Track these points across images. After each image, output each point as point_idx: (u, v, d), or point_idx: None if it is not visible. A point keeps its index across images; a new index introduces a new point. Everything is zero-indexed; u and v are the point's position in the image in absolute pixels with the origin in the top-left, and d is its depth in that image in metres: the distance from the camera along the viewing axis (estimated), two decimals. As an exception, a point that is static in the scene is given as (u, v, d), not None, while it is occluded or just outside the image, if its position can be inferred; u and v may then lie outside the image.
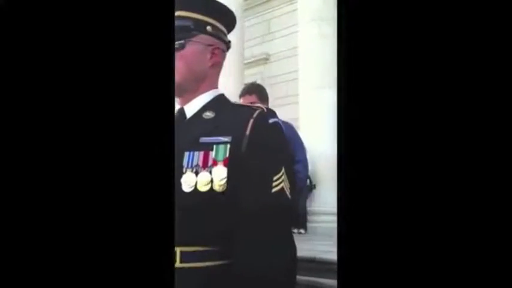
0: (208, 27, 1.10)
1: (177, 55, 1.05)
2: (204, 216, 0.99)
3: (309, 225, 6.76)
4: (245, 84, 2.75)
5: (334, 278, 3.36)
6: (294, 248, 1.01)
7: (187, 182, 0.99)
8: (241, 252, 0.95)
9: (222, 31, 1.17)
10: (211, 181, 0.97)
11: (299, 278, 2.10)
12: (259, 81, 10.24)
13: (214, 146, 0.99)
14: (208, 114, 1.07)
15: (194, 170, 0.99)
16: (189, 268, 0.98)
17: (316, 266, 3.54)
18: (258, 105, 1.12)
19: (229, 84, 5.16)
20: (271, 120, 1.06)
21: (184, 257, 0.99)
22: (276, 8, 10.46)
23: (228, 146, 0.98)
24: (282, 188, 1.00)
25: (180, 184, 1.02)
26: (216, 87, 1.14)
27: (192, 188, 0.98)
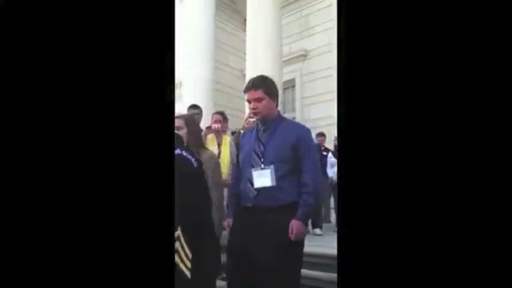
0: None
1: None
2: None
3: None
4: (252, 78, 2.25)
5: (322, 270, 3.33)
6: None
7: None
8: None
9: None
10: None
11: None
12: (297, 78, 10.18)
13: None
14: None
15: None
16: None
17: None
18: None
19: (268, 82, 5.13)
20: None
21: None
22: (313, 3, 10.38)
23: None
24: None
25: None
26: None
27: None
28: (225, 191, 2.78)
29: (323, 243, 4.31)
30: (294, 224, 1.96)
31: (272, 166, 2.05)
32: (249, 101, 2.18)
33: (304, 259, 2.14)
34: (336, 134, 6.13)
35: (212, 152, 2.49)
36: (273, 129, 2.16)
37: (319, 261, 3.48)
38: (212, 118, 4.18)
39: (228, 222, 2.25)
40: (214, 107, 7.35)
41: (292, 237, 1.95)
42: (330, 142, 6.68)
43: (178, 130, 2.25)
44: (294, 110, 10.20)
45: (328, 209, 6.70)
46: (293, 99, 10.33)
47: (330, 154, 6.10)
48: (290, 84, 10.20)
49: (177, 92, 11.72)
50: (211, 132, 3.99)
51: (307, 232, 2.34)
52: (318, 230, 5.31)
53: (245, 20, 10.25)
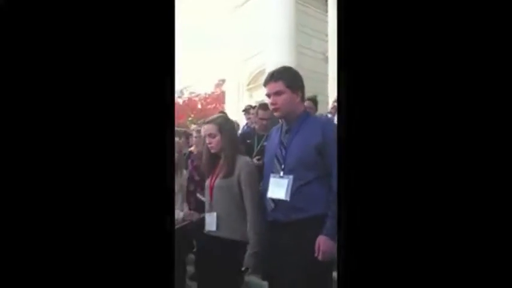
0: None
1: None
2: None
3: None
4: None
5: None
6: None
7: None
8: None
9: None
10: None
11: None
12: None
13: None
14: None
15: None
16: None
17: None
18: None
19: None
20: None
21: None
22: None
23: None
24: None
25: None
26: None
27: None
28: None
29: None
30: (321, 241, 1.63)
31: (291, 176, 1.74)
32: (269, 96, 1.88)
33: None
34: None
35: (248, 158, 2.13)
36: (296, 129, 1.85)
37: None
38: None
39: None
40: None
41: (319, 256, 1.62)
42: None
43: (211, 137, 2.04)
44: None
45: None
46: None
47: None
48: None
49: (262, 78, 11.84)
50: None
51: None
52: None
53: (326, 0, 9.94)
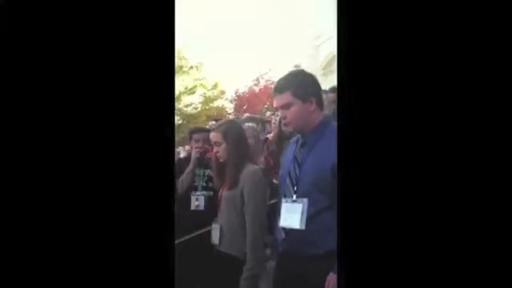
0: None
1: None
2: None
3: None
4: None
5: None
6: None
7: None
8: None
9: None
10: None
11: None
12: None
13: None
14: None
15: None
16: None
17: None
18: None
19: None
20: None
21: None
22: None
23: None
24: None
25: None
26: None
27: None
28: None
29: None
30: (331, 279, 1.43)
31: (305, 200, 1.54)
32: (277, 109, 1.67)
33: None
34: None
35: (256, 167, 1.92)
36: (312, 143, 1.62)
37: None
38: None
39: None
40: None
41: None
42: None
43: (217, 145, 1.93)
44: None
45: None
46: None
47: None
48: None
49: (331, 68, 11.73)
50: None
51: None
52: None
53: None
